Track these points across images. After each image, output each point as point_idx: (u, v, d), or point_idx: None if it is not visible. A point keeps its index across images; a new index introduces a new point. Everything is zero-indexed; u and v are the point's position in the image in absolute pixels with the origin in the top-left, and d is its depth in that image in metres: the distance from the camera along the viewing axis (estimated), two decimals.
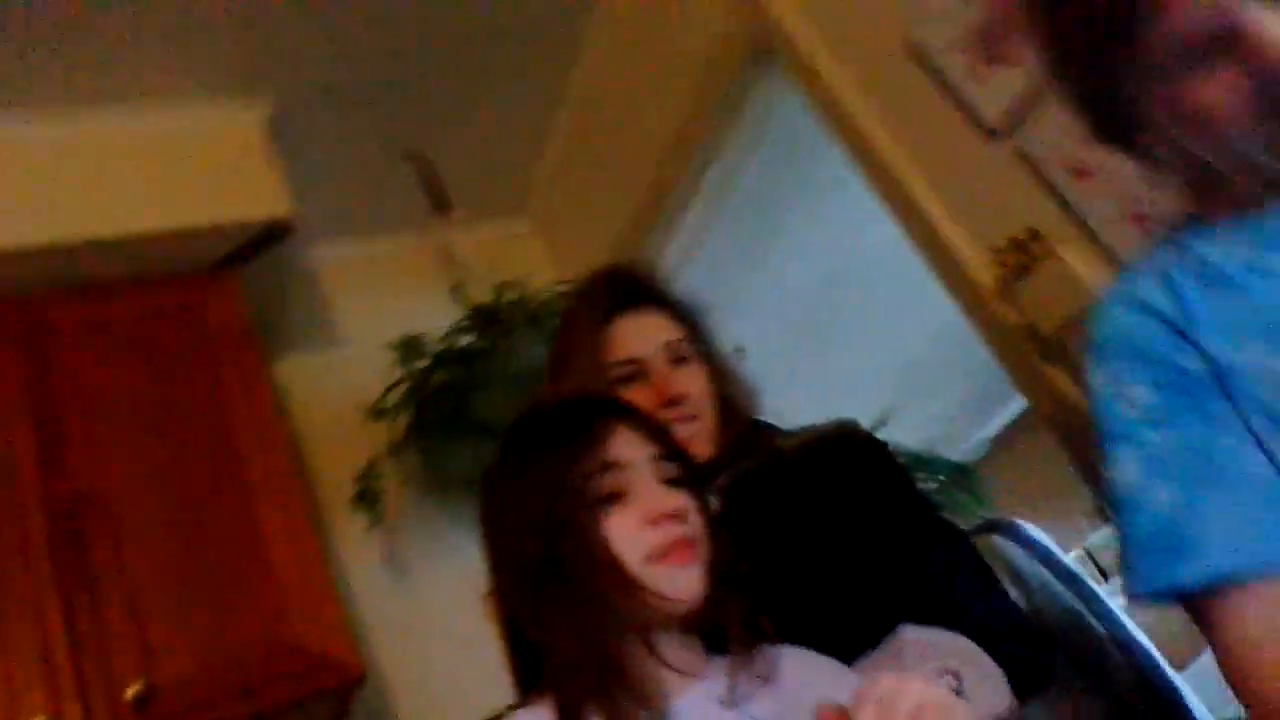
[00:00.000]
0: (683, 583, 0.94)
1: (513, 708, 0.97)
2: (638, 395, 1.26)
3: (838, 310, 3.43)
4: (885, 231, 1.90)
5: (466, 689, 2.10)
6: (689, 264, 2.63)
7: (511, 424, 1.14)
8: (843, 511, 1.23)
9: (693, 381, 1.32)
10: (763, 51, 2.02)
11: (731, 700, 0.94)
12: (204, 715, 1.69)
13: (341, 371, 2.42)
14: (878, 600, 1.16)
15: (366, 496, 2.16)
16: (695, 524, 0.97)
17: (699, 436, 1.28)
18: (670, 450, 1.01)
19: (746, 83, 2.12)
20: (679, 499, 0.96)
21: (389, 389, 2.23)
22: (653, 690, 0.94)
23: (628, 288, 1.37)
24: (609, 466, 0.96)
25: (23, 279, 1.95)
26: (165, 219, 2.05)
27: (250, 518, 1.88)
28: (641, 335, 1.32)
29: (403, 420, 2.23)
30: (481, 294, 2.33)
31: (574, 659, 0.92)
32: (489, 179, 2.72)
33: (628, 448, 0.97)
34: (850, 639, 1.09)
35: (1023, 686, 1.11)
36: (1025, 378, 1.64)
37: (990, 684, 1.05)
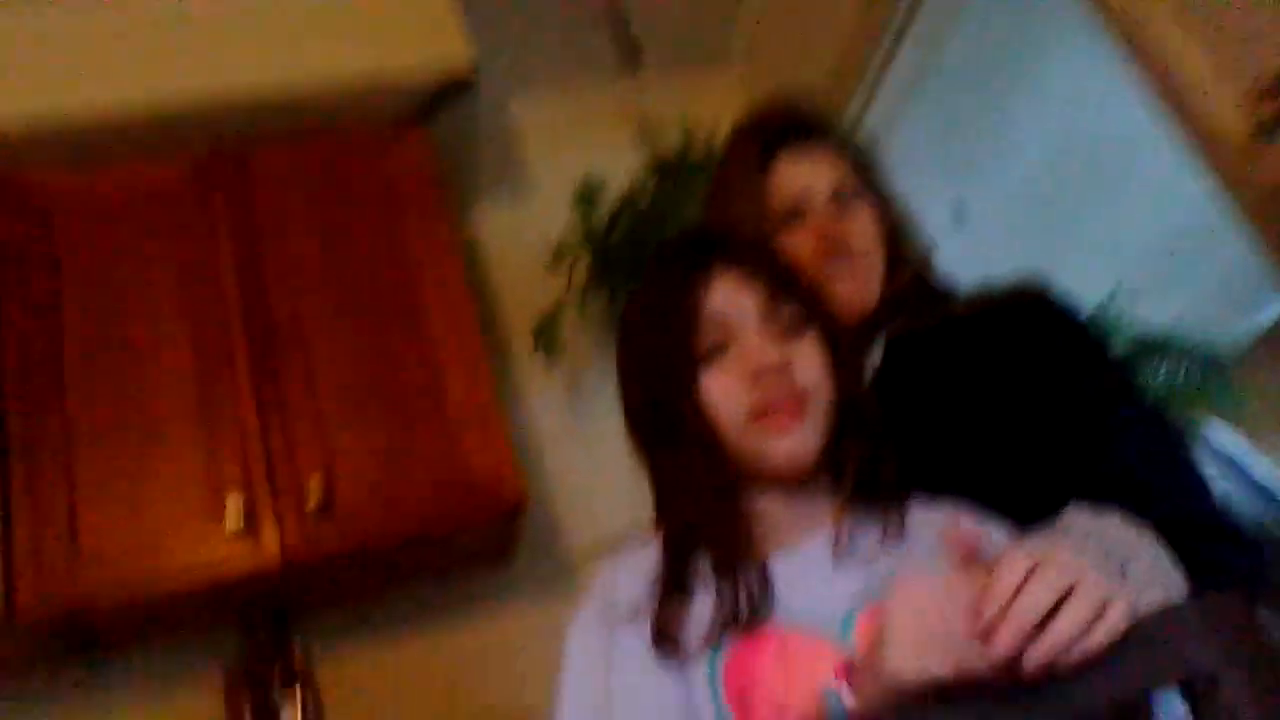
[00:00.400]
0: (784, 448, 0.89)
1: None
2: (797, 239, 1.19)
3: (1070, 179, 3.13)
4: (1120, 97, 1.69)
5: (624, 519, 2.14)
6: (901, 121, 2.45)
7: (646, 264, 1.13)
8: (1018, 380, 1.11)
9: (858, 226, 1.22)
10: None
11: (842, 557, 0.89)
12: (376, 529, 1.79)
13: (529, 222, 2.44)
14: (1049, 478, 1.04)
15: (546, 338, 2.19)
16: (806, 376, 0.90)
17: (861, 286, 1.19)
18: (785, 293, 0.93)
19: None
20: (779, 352, 0.89)
21: (569, 238, 2.23)
22: (760, 540, 0.91)
23: (792, 122, 1.27)
24: (709, 318, 0.91)
25: (225, 126, 2.07)
26: (356, 70, 2.11)
27: (431, 354, 1.94)
28: (804, 174, 1.23)
29: (583, 267, 2.23)
30: (669, 141, 2.26)
31: (677, 504, 0.92)
32: (687, 25, 2.61)
33: (730, 296, 0.92)
34: (1015, 518, 0.99)
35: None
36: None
37: (1161, 586, 0.91)
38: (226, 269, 1.94)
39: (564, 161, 2.47)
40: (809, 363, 0.91)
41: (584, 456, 2.27)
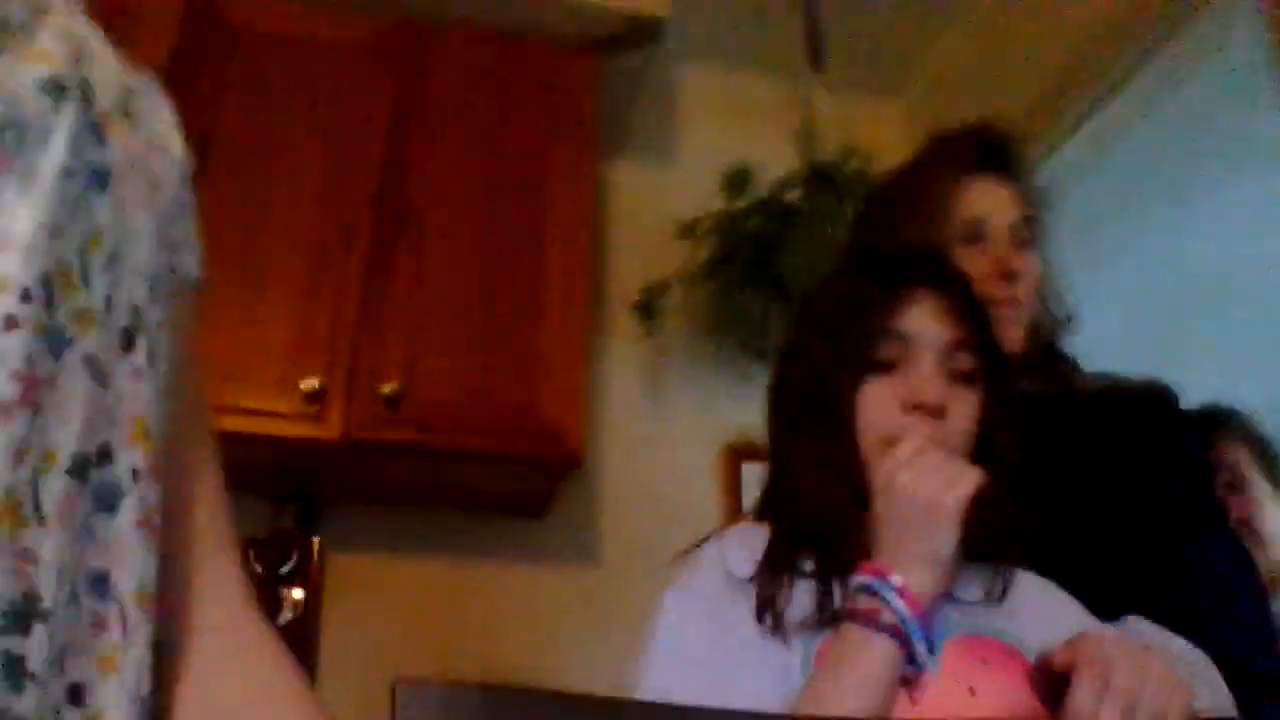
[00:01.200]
0: None
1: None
2: (975, 258, 1.17)
3: (1191, 314, 3.03)
4: None
5: (668, 510, 2.15)
6: (1060, 194, 2.39)
7: (846, 257, 1.10)
8: (1124, 475, 1.10)
9: (1030, 266, 1.21)
10: None
11: (945, 599, 0.87)
12: (438, 435, 1.80)
13: (666, 188, 2.43)
14: (1122, 581, 1.03)
15: (648, 309, 2.17)
16: (955, 428, 0.88)
17: (1016, 326, 1.17)
18: (974, 342, 0.91)
19: (1193, 4, 1.83)
20: (944, 393, 0.88)
21: (705, 217, 2.21)
22: (870, 553, 0.88)
23: (996, 150, 1.25)
24: (894, 334, 0.89)
25: (406, 5, 2.07)
26: None
27: (537, 284, 1.94)
28: (995, 201, 1.22)
29: (706, 250, 2.21)
30: (827, 155, 2.23)
31: (802, 495, 0.90)
32: (875, 51, 2.58)
33: (924, 322, 0.90)
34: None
35: None
36: None
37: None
38: (376, 145, 1.95)
39: (717, 140, 2.46)
40: (966, 414, 0.90)
41: (644, 434, 2.26)
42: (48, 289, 0.47)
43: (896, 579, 0.78)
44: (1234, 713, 0.91)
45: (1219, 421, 1.74)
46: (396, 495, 2.01)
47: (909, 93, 2.73)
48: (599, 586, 2.10)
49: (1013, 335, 1.15)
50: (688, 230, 2.20)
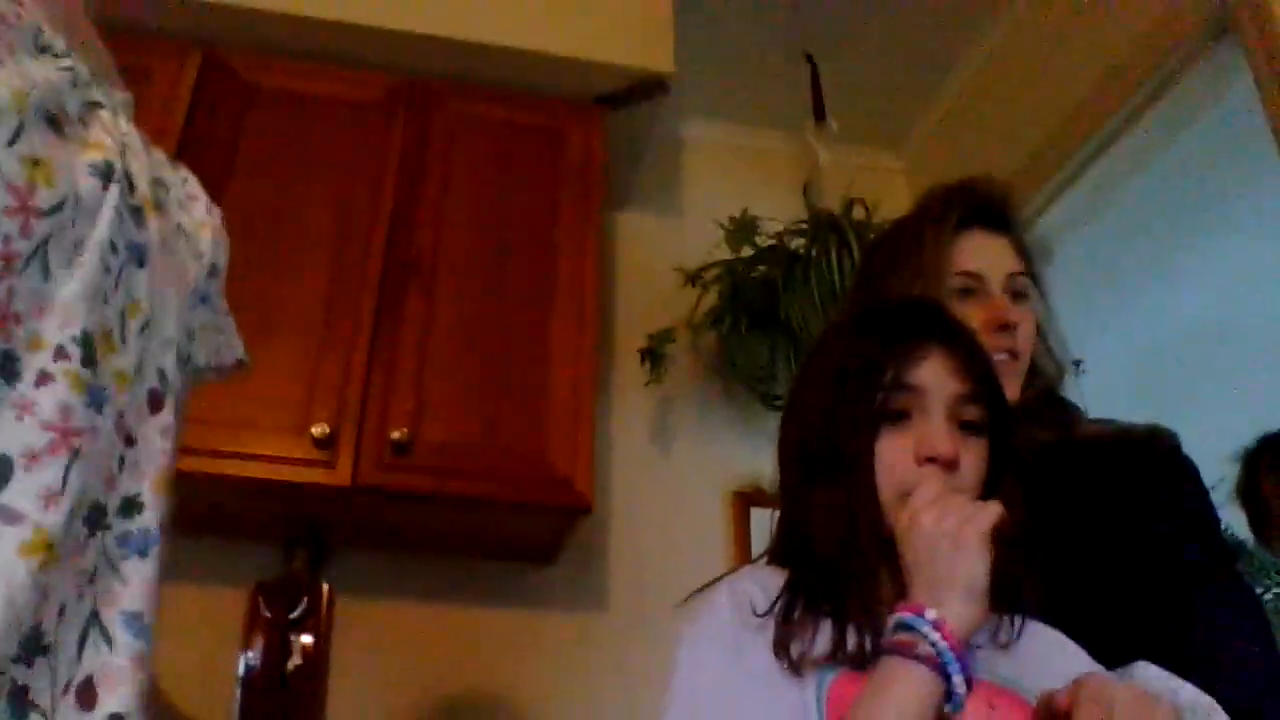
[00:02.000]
0: None
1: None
2: (971, 310, 1.19)
3: (1191, 368, 3.06)
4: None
5: (676, 556, 2.16)
6: (1058, 244, 2.42)
7: (850, 311, 1.14)
8: (1128, 521, 1.11)
9: (1025, 320, 1.23)
10: (1219, 23, 1.77)
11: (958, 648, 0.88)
12: (446, 481, 1.81)
13: (673, 237, 2.47)
14: (1119, 626, 1.04)
15: (654, 355, 2.19)
16: (967, 478, 0.90)
17: (1012, 377, 1.19)
18: (982, 394, 0.94)
19: (1188, 58, 1.87)
20: (955, 446, 0.90)
21: (711, 265, 2.25)
22: (887, 606, 0.90)
23: (990, 204, 1.28)
24: (906, 387, 0.92)
25: (416, 65, 2.14)
26: (558, 43, 2.16)
27: (545, 331, 1.96)
28: (990, 254, 1.24)
29: (712, 297, 2.24)
30: (830, 205, 2.27)
31: (822, 541, 0.92)
32: (876, 106, 2.63)
33: (935, 376, 0.93)
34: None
35: None
36: None
37: None
38: (386, 196, 1.99)
39: (721, 190, 2.50)
40: (975, 464, 0.92)
41: (651, 481, 2.27)
42: (88, 348, 0.51)
43: (932, 613, 0.79)
44: None
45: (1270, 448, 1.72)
46: (406, 541, 2.02)
47: (909, 145, 2.79)
48: (608, 632, 2.11)
49: (1011, 386, 1.16)
50: (694, 278, 2.23)
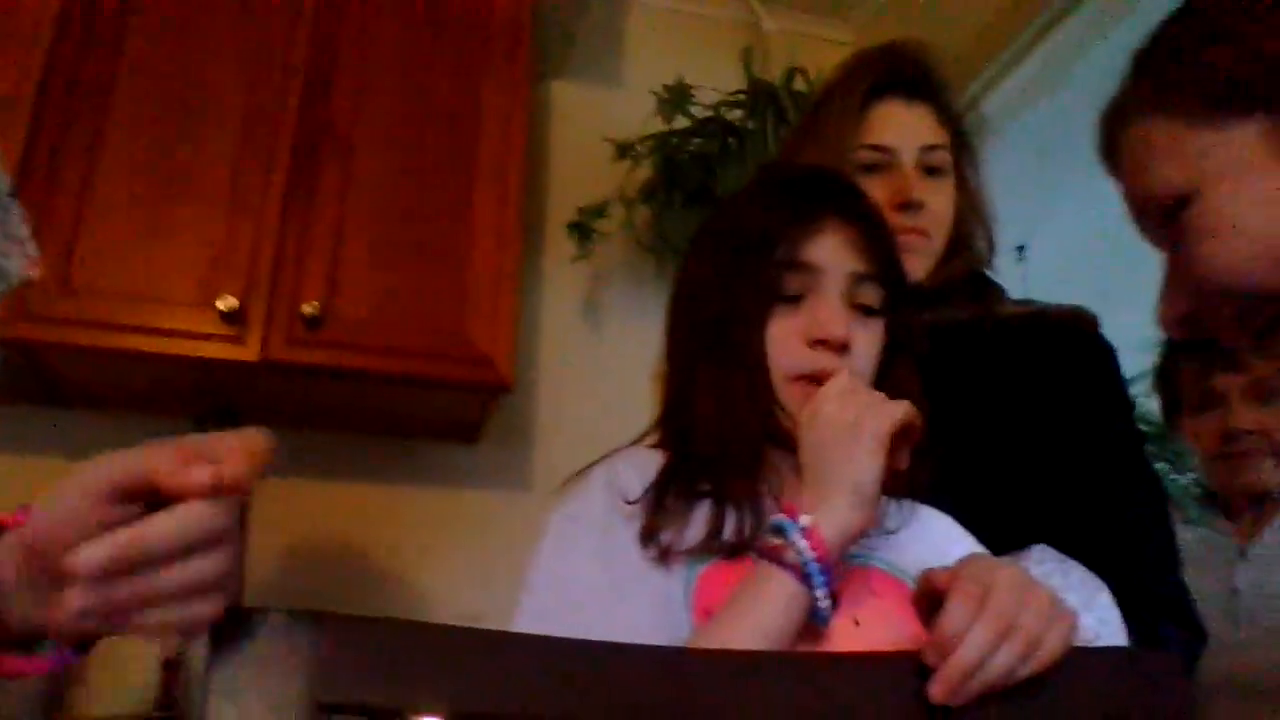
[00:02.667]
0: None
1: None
2: (876, 186, 1.14)
3: (1140, 254, 3.02)
4: None
5: (604, 436, 2.12)
6: (997, 135, 2.35)
7: (751, 180, 1.08)
8: (1041, 401, 1.09)
9: (938, 197, 1.17)
10: None
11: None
12: (359, 357, 1.75)
13: (609, 109, 2.37)
14: (1036, 505, 1.04)
15: (583, 230, 2.12)
16: (858, 363, 0.87)
17: (919, 256, 1.15)
18: (881, 275, 0.89)
19: None
20: (848, 330, 0.86)
21: (645, 137, 2.16)
22: (770, 495, 0.88)
23: (906, 72, 1.21)
24: (800, 266, 0.87)
25: None
26: None
27: (467, 205, 1.88)
28: (902, 126, 1.18)
29: (646, 170, 2.16)
30: (771, 76, 2.18)
31: (707, 422, 0.88)
32: None
33: (830, 254, 0.88)
34: (987, 533, 0.96)
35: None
36: None
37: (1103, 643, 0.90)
38: (299, 55, 1.87)
39: (660, 60, 2.39)
40: (869, 348, 0.88)
41: (580, 360, 2.23)
42: None
43: (806, 519, 0.76)
44: (1119, 640, 0.91)
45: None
46: (323, 419, 1.98)
47: (859, 14, 2.67)
48: (531, 510, 2.09)
49: (914, 266, 1.13)
50: (626, 150, 2.14)
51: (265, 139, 1.81)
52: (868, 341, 0.88)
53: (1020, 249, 2.99)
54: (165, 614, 0.50)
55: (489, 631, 0.58)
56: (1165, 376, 1.75)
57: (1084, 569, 0.96)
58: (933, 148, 1.17)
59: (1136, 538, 1.07)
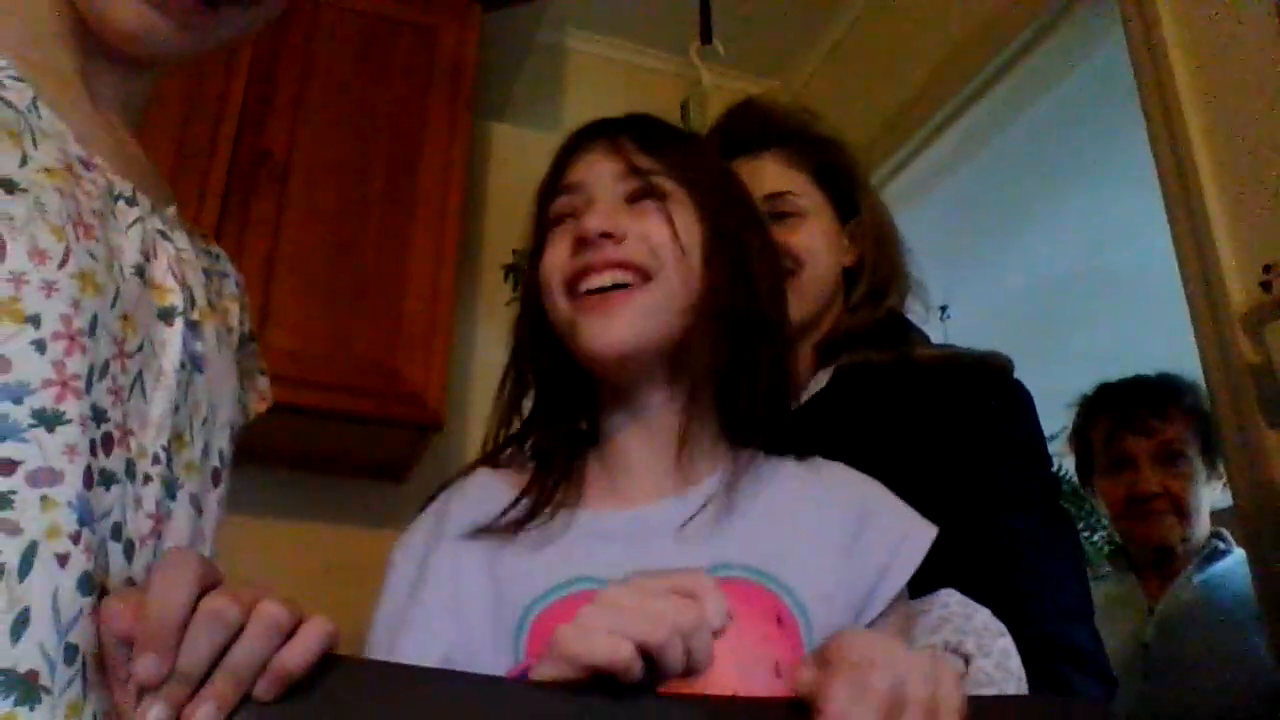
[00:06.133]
0: (590, 332, 0.80)
1: None
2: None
3: (1059, 315, 3.16)
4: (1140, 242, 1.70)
5: None
6: (923, 198, 2.44)
7: None
8: (951, 444, 1.07)
9: (792, 236, 1.18)
10: None
11: (686, 526, 0.77)
12: (288, 390, 1.71)
13: (545, 154, 2.36)
14: (941, 548, 1.02)
15: (518, 272, 2.12)
16: (641, 247, 0.80)
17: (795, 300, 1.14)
18: (656, 167, 0.83)
19: (1064, 11, 1.87)
20: (614, 221, 0.80)
21: None
22: (604, 479, 0.84)
23: (741, 132, 1.25)
24: (566, 188, 0.85)
25: None
26: None
27: (404, 242, 1.88)
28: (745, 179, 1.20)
29: None
30: (706, 129, 2.22)
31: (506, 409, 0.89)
32: (761, 34, 2.58)
33: (589, 167, 0.85)
34: None
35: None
36: (1236, 431, 1.40)
37: (998, 689, 0.85)
38: (237, 84, 1.85)
39: (599, 107, 2.36)
40: (654, 235, 0.80)
41: None
42: (168, 451, 0.66)
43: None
44: (1015, 687, 0.89)
45: (1170, 391, 1.76)
46: (250, 454, 1.92)
47: (794, 76, 2.75)
48: None
49: (799, 308, 1.13)
50: None
51: (198, 167, 1.78)
52: (652, 227, 0.80)
53: (943, 309, 3.08)
54: None
55: (424, 669, 0.57)
56: (1080, 436, 1.81)
57: (989, 614, 0.94)
58: (776, 195, 1.19)
59: (1049, 585, 1.05)
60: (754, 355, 0.83)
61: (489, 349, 2.25)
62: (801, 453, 0.88)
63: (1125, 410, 1.75)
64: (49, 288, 0.58)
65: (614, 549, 0.78)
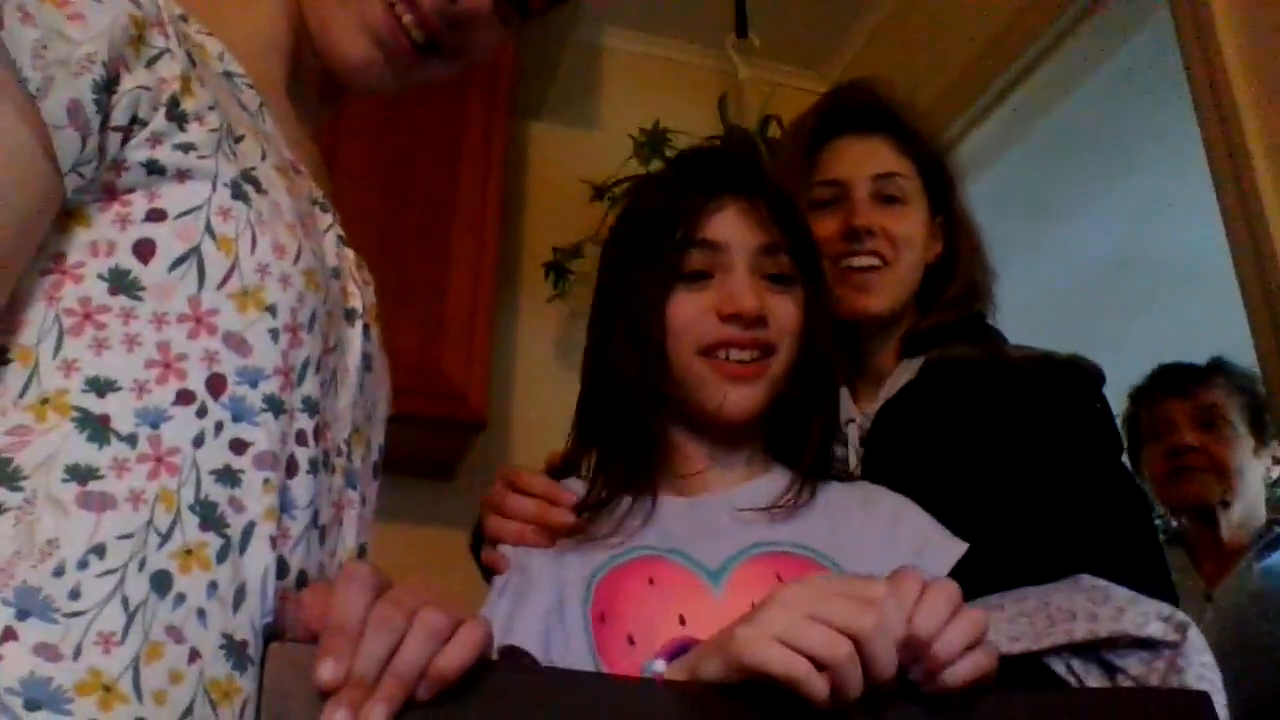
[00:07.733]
0: (736, 397, 0.88)
1: None
2: (827, 220, 1.15)
3: (1108, 302, 3.10)
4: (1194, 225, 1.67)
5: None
6: (962, 187, 2.40)
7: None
8: (1032, 447, 1.07)
9: (898, 223, 1.16)
10: None
11: (745, 515, 0.88)
12: None
13: (586, 150, 2.39)
14: (1024, 536, 1.00)
15: (559, 269, 2.14)
16: (777, 331, 0.89)
17: (876, 286, 1.15)
18: (787, 244, 0.90)
19: None
20: (758, 300, 0.87)
21: (621, 179, 2.18)
22: (667, 478, 0.91)
23: (855, 108, 1.23)
24: (701, 243, 0.88)
25: None
26: None
27: (445, 242, 1.90)
28: (853, 158, 1.18)
29: (621, 209, 2.18)
30: (746, 122, 2.22)
31: (599, 417, 0.93)
32: (797, 25, 2.56)
33: (731, 229, 0.89)
34: (991, 570, 0.94)
35: None
36: None
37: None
38: None
39: (638, 103, 2.42)
40: (786, 318, 0.90)
41: (555, 397, 2.22)
42: (350, 446, 0.70)
43: (660, 666, 0.69)
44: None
45: (1216, 366, 1.79)
46: None
47: (832, 65, 2.73)
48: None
49: (878, 295, 1.14)
50: (602, 191, 2.16)
51: None
52: (785, 311, 0.90)
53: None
54: None
55: (576, 673, 0.65)
56: (1131, 420, 1.81)
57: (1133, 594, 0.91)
58: (887, 175, 1.17)
59: (1142, 575, 1.05)
60: (821, 400, 0.93)
61: (531, 347, 2.26)
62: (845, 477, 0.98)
63: (1170, 381, 1.76)
64: (285, 281, 0.62)
65: (674, 525, 0.88)
